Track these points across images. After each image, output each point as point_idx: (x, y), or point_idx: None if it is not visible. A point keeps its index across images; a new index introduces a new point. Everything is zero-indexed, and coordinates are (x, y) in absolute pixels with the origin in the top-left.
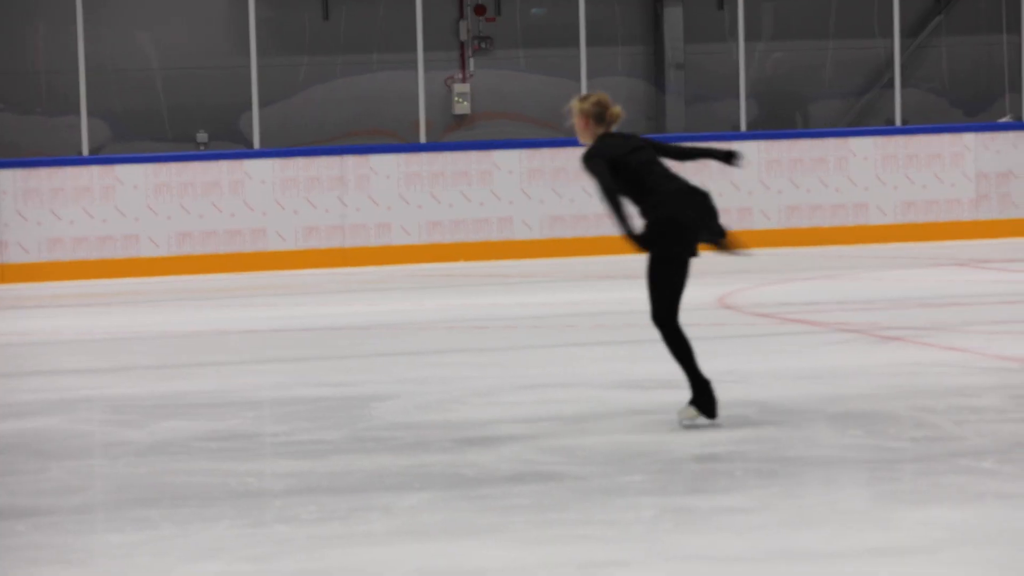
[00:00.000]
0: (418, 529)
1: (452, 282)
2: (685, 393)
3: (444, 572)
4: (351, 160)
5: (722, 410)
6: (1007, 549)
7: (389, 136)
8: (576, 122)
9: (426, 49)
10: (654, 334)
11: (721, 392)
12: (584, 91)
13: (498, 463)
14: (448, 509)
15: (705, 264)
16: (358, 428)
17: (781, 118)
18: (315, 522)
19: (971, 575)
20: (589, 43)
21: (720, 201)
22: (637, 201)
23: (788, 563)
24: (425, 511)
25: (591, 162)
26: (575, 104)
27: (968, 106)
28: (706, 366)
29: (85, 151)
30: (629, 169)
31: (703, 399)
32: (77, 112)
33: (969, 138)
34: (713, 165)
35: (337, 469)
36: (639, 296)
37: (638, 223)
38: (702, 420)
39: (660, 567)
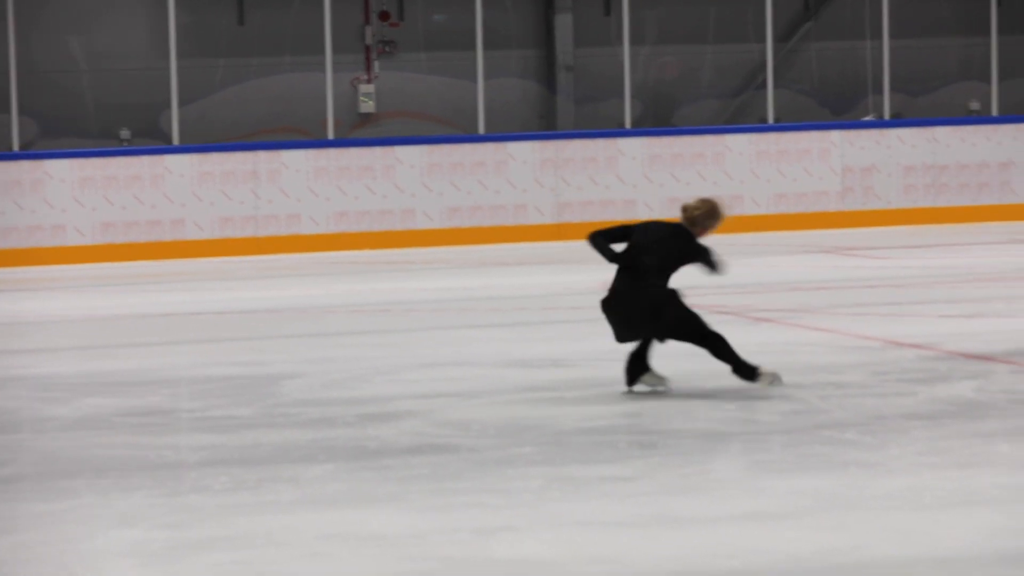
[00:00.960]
0: (322, 498)
1: (358, 269)
2: (573, 371)
3: (346, 538)
4: (263, 155)
5: (607, 387)
6: (867, 514)
7: (299, 133)
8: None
9: (334, 52)
10: (544, 316)
11: (606, 370)
12: (481, 89)
13: (398, 436)
14: (351, 479)
15: (591, 252)
16: (268, 405)
17: (663, 117)
18: (226, 492)
19: (834, 539)
20: (486, 47)
21: (607, 193)
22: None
23: (666, 528)
24: (329, 481)
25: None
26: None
27: (835, 105)
28: (591, 347)
29: (15, 147)
30: None
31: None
32: (8, 110)
33: (836, 135)
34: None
35: (248, 443)
36: (530, 282)
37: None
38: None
39: (547, 532)
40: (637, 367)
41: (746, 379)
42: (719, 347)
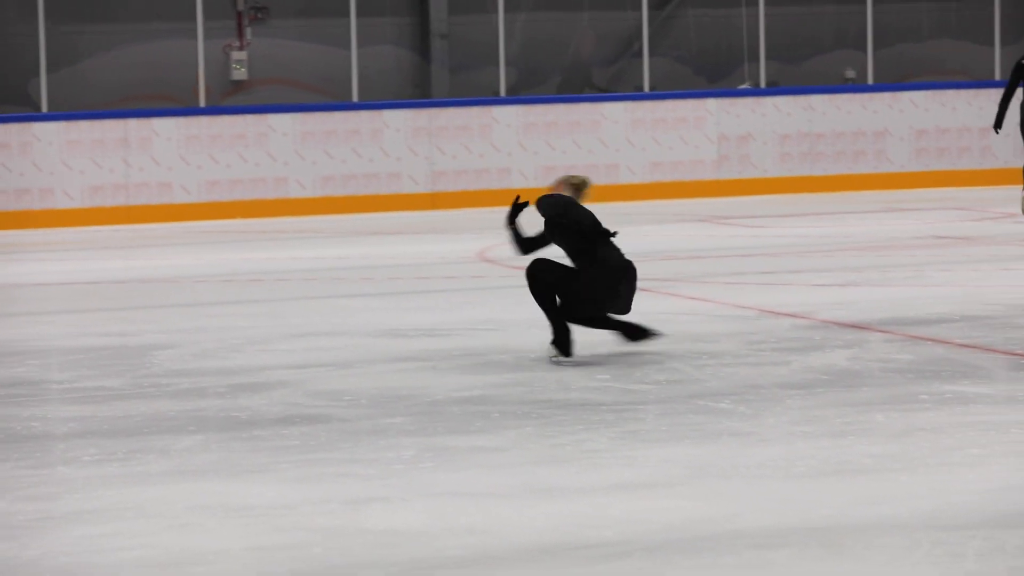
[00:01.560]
0: (193, 469)
1: (230, 238)
2: (447, 341)
3: (216, 509)
4: (134, 123)
5: (481, 357)
6: (740, 482)
7: (170, 100)
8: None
9: (205, 18)
10: (418, 286)
11: (479, 340)
12: (355, 57)
13: (269, 407)
14: (221, 450)
15: (466, 220)
16: (138, 375)
17: (538, 84)
18: (95, 463)
19: (708, 508)
20: (359, 14)
21: (481, 162)
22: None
23: (538, 498)
24: (200, 452)
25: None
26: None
27: (711, 74)
28: (466, 316)
29: None
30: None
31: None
32: None
33: (712, 103)
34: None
35: (117, 414)
36: (404, 251)
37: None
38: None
39: (419, 503)
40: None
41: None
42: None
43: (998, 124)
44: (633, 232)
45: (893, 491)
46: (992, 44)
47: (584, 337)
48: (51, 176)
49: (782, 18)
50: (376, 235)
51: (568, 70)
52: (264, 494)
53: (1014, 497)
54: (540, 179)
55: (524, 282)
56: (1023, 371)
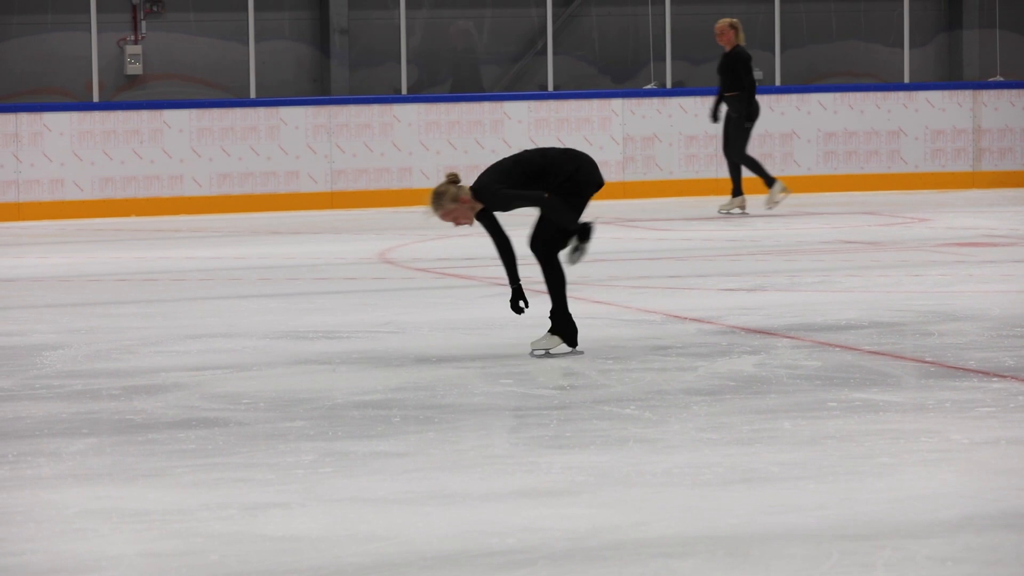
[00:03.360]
0: (85, 473)
1: (123, 236)
2: (347, 343)
3: (110, 514)
4: (25, 117)
5: (381, 360)
6: (646, 490)
7: (63, 95)
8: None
9: (99, 11)
10: (317, 287)
11: (380, 343)
12: (253, 52)
13: (165, 410)
14: (115, 454)
15: (367, 220)
16: (29, 376)
17: (440, 83)
18: None
19: (613, 516)
20: (257, 8)
21: (382, 160)
22: None
23: (439, 504)
24: (93, 455)
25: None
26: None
27: (616, 74)
28: (366, 318)
29: None
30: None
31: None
32: None
33: (617, 103)
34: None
35: (7, 415)
36: (303, 251)
37: None
38: (559, 349)
39: (319, 509)
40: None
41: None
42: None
43: None
44: None
45: (801, 500)
46: (901, 46)
47: (485, 340)
48: None
49: (688, 18)
50: (274, 235)
51: (470, 68)
52: (160, 499)
53: (924, 506)
54: (441, 179)
55: (426, 284)
56: (933, 379)
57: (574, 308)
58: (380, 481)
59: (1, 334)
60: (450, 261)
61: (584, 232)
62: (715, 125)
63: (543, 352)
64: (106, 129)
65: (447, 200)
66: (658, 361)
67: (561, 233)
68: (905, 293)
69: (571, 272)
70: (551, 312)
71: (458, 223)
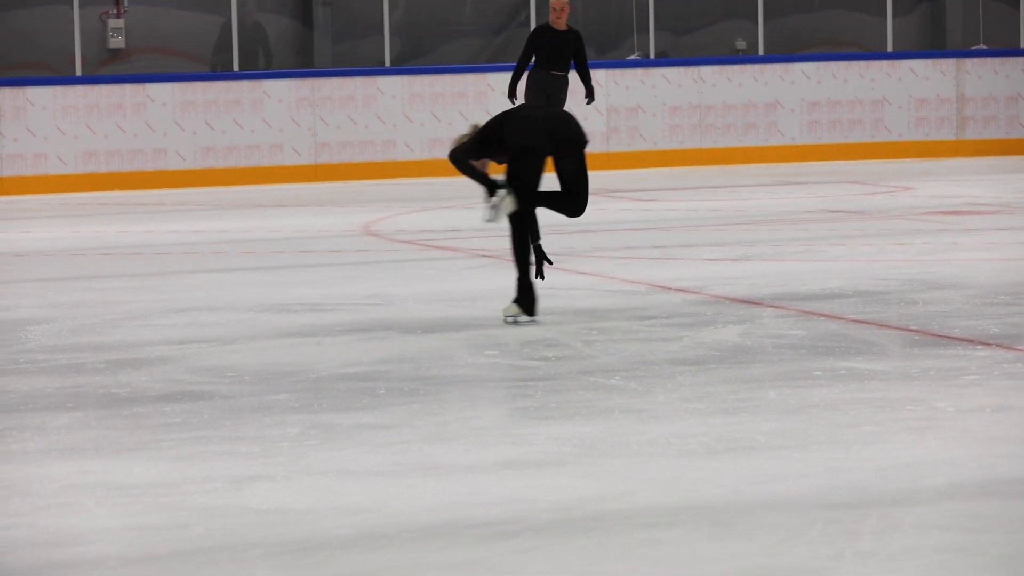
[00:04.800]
0: (71, 447)
1: (107, 210)
2: (332, 316)
3: (95, 488)
4: (8, 92)
5: (366, 332)
6: (631, 460)
7: (45, 69)
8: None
9: None
10: (301, 260)
11: (365, 315)
12: (236, 25)
13: (150, 383)
14: (101, 427)
15: (351, 193)
16: (14, 351)
17: (423, 55)
18: None
19: (598, 486)
20: None
21: (365, 133)
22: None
23: (425, 476)
24: (78, 430)
25: None
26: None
27: (599, 44)
28: (351, 290)
29: None
30: None
31: (528, 298)
32: None
33: (600, 74)
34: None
35: None
36: (288, 224)
37: None
38: (524, 318)
39: (304, 481)
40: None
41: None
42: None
43: None
44: None
45: (786, 469)
46: (884, 15)
47: (469, 312)
48: None
49: None
50: (258, 208)
51: (453, 40)
52: (145, 473)
53: (909, 475)
54: (425, 151)
55: (410, 256)
56: (917, 347)
57: (558, 279)
58: (365, 453)
59: None
60: (434, 233)
61: (491, 189)
62: (699, 95)
63: (512, 320)
64: (89, 103)
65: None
66: (643, 331)
67: (527, 204)
68: (889, 262)
69: (554, 245)
70: (516, 280)
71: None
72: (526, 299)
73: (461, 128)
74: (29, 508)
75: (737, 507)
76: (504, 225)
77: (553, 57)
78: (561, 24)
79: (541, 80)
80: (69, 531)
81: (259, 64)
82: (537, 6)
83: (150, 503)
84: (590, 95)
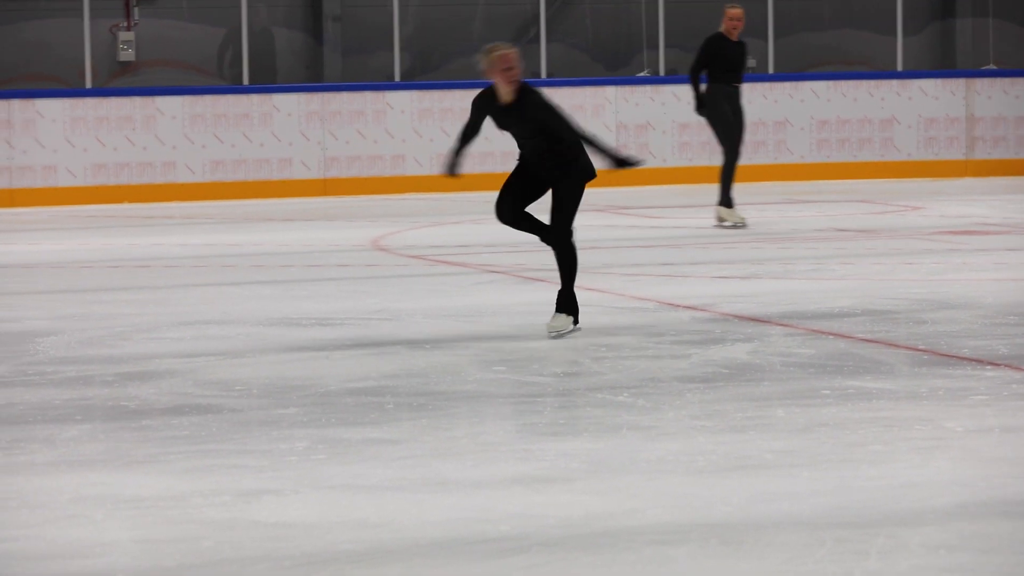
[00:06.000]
0: (79, 459)
1: (116, 223)
2: (340, 330)
3: (104, 500)
4: (17, 104)
5: (375, 347)
6: (640, 477)
7: (55, 81)
8: (515, 71)
9: None
10: (310, 274)
11: (373, 330)
12: (246, 39)
13: (158, 396)
14: (109, 440)
15: (359, 207)
16: (23, 363)
17: (433, 70)
18: None
19: (606, 503)
20: None
21: (375, 148)
22: (563, 132)
23: (432, 491)
24: (86, 442)
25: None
26: (512, 53)
27: (609, 61)
28: (359, 305)
29: None
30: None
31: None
32: None
33: (610, 91)
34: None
35: (0, 402)
36: (296, 238)
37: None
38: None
39: (312, 495)
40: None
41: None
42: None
43: None
44: None
45: (795, 487)
46: (894, 34)
47: (481, 328)
48: None
49: (681, 5)
50: (267, 222)
51: (463, 55)
52: (153, 485)
53: (917, 494)
54: (435, 167)
55: (419, 271)
56: (926, 367)
57: None
58: (373, 468)
59: None
60: (443, 248)
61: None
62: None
63: (556, 334)
64: (99, 115)
65: (518, 54)
66: (652, 348)
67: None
68: (899, 281)
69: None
70: (561, 293)
71: (509, 74)
72: (573, 308)
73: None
74: (38, 520)
75: (746, 525)
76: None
77: (732, 68)
78: (735, 35)
79: (725, 92)
80: (78, 543)
81: (268, 78)
82: (547, 22)
83: (158, 516)
84: None
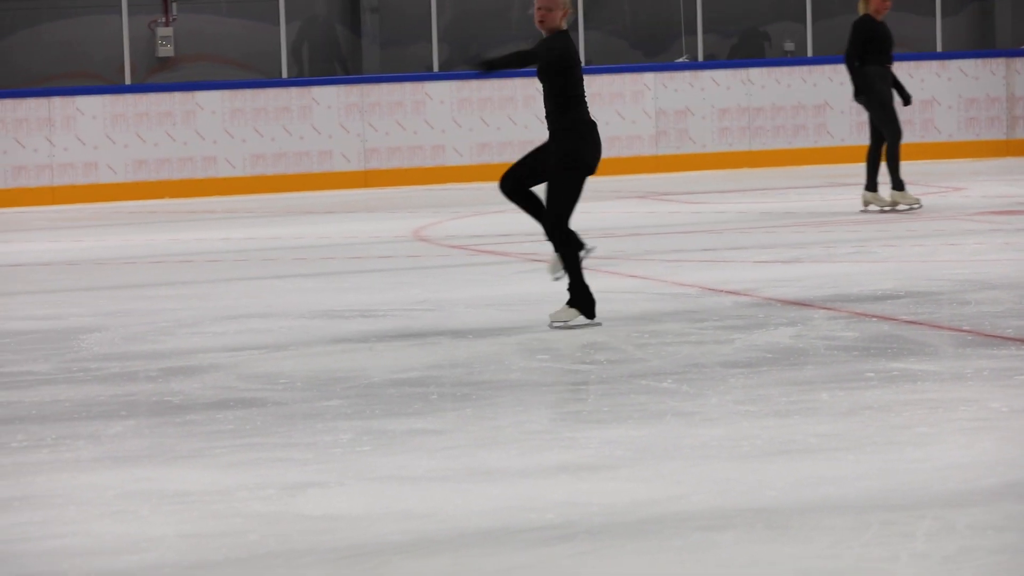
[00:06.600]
0: (124, 455)
1: (158, 218)
2: (383, 321)
3: (148, 495)
4: (58, 102)
5: (418, 338)
6: (684, 463)
7: (95, 78)
8: (540, 13)
9: None
10: (352, 266)
11: (416, 320)
12: (284, 32)
13: (202, 390)
14: (153, 435)
15: (400, 198)
16: (66, 359)
17: (471, 60)
18: (23, 450)
19: (651, 490)
20: None
21: (414, 139)
22: (563, 102)
23: (477, 481)
24: (131, 438)
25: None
26: None
27: (648, 47)
28: (402, 296)
29: None
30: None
31: (585, 301)
32: None
33: (649, 77)
34: None
35: (45, 399)
36: (338, 230)
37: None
38: (580, 320)
39: (357, 487)
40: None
41: (564, 264)
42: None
43: None
44: None
45: (840, 471)
46: (933, 15)
47: (523, 316)
48: None
49: None
50: (308, 214)
51: (501, 44)
52: (199, 480)
53: (963, 475)
54: (474, 156)
55: (461, 261)
56: (970, 348)
57: (608, 283)
58: (418, 459)
59: (37, 318)
60: (484, 238)
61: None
62: (748, 97)
63: (562, 324)
64: (139, 112)
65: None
66: (695, 334)
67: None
68: (941, 262)
69: (604, 248)
70: (568, 286)
71: (537, 14)
72: (585, 302)
73: (510, 133)
74: (84, 517)
75: (791, 509)
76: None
77: (884, 49)
78: (882, 16)
79: (880, 74)
80: (124, 539)
81: (307, 71)
82: (584, 9)
83: (204, 510)
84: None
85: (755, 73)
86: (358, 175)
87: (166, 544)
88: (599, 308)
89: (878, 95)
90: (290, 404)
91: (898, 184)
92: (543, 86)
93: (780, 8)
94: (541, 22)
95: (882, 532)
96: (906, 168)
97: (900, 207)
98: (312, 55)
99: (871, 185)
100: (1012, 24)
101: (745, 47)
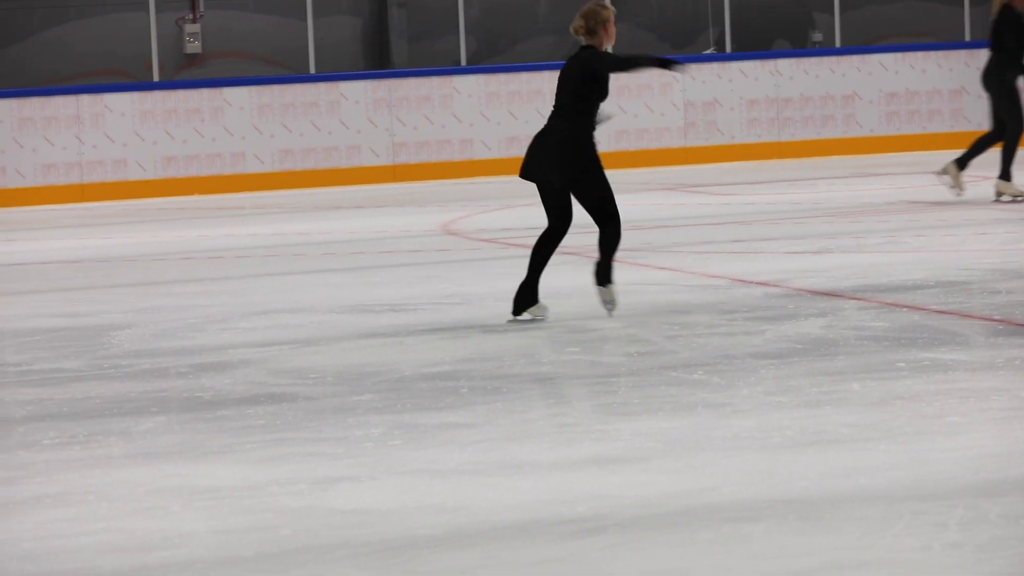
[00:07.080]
0: (155, 451)
1: (187, 215)
2: (413, 315)
3: (180, 491)
4: (86, 99)
5: (448, 332)
6: (715, 454)
7: (123, 75)
8: (575, 24)
9: None
10: (382, 260)
11: (446, 314)
12: (311, 28)
13: (233, 386)
14: (184, 431)
15: (429, 193)
16: (97, 356)
17: (499, 53)
18: (55, 447)
19: (682, 482)
20: None
21: (443, 132)
22: (590, 111)
23: (508, 474)
24: (162, 434)
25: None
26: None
27: (675, 39)
28: (432, 290)
29: None
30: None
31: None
32: None
33: None
34: None
35: (77, 396)
36: (367, 225)
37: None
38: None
39: (389, 481)
40: (526, 296)
41: (598, 282)
42: (607, 235)
43: None
44: None
45: (871, 461)
46: (961, 5)
47: (554, 310)
48: (3, 155)
49: None
50: (337, 209)
51: (529, 38)
52: (230, 475)
53: (995, 465)
54: (503, 149)
55: (490, 255)
56: (1001, 337)
57: (638, 275)
58: (449, 452)
59: (68, 315)
60: (514, 231)
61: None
62: (776, 88)
63: (613, 305)
64: (167, 108)
65: (594, 11)
66: (725, 326)
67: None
68: (971, 252)
69: (634, 240)
70: (599, 266)
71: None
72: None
73: (538, 126)
74: (116, 513)
75: (823, 500)
76: (590, 221)
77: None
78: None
79: (1012, 66)
80: (156, 535)
81: (335, 66)
82: (613, 2)
83: (235, 505)
84: None
85: (783, 64)
86: (386, 170)
87: (197, 540)
88: (627, 299)
89: (1007, 86)
90: (321, 399)
91: (1006, 175)
92: (576, 88)
93: None
94: (575, 32)
95: (914, 522)
96: (936, 157)
97: (1003, 198)
98: (339, 50)
99: (1005, 174)
100: None
101: (773, 36)
